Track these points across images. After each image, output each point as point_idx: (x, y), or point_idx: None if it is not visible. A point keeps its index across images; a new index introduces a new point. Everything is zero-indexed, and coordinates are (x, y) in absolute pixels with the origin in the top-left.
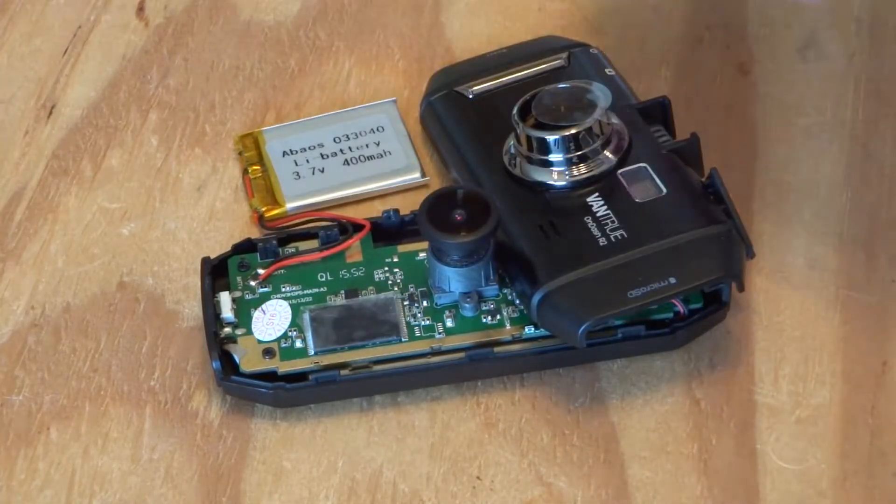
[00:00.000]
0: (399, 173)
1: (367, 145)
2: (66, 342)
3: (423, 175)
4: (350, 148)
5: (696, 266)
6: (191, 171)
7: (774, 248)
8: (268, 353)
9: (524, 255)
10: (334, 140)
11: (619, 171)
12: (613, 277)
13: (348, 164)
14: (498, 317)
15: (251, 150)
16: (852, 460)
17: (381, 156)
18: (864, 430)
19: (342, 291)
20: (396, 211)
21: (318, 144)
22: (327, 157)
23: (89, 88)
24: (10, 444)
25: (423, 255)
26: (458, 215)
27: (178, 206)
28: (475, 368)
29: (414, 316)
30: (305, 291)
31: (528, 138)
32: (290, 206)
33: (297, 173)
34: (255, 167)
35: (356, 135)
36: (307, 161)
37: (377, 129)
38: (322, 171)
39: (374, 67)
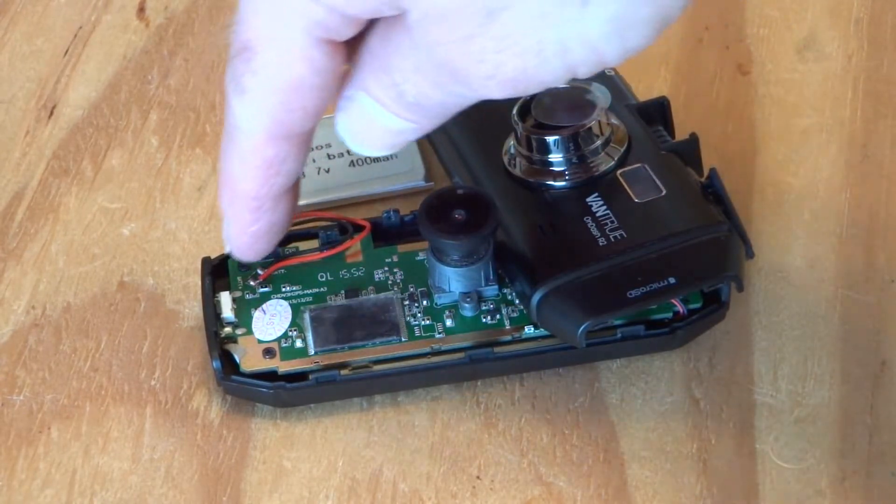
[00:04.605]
0: (404, 177)
1: None
2: (67, 342)
3: (428, 180)
4: None
5: (695, 266)
6: (191, 171)
7: (774, 248)
8: (268, 352)
9: (524, 255)
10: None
11: (619, 171)
12: (613, 278)
13: (354, 165)
14: (498, 317)
15: None
16: (851, 460)
17: (387, 158)
18: (863, 429)
19: (342, 291)
20: (396, 211)
21: (326, 144)
22: (334, 157)
23: (90, 89)
24: (11, 443)
25: (423, 255)
26: (458, 215)
27: (178, 206)
28: (475, 368)
29: (414, 316)
30: (305, 291)
31: (528, 139)
32: None
33: (303, 172)
34: None
35: None
36: (313, 161)
37: None
38: (328, 171)
39: None
